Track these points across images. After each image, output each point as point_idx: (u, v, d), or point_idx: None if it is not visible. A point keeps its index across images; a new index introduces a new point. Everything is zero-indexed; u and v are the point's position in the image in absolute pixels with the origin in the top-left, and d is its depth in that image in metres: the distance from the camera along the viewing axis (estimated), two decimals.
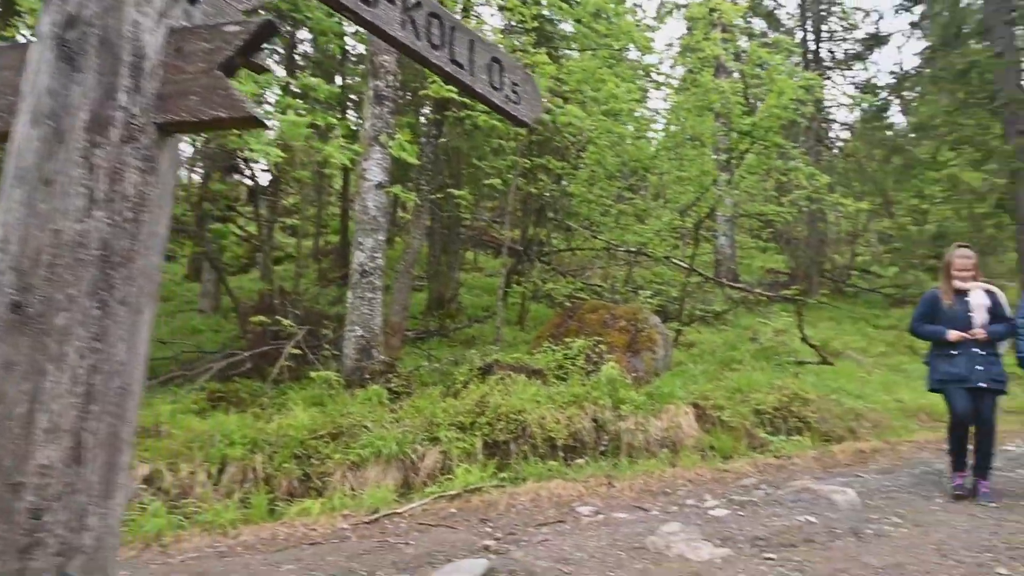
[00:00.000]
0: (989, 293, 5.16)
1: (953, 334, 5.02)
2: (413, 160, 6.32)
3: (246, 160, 9.88)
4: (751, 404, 7.43)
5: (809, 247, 14.62)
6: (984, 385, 4.97)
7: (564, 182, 9.88)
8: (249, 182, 13.13)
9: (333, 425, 6.05)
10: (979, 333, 5.04)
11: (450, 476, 5.78)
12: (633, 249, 9.87)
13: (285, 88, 8.52)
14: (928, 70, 14.02)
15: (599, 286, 10.19)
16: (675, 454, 6.66)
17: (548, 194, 9.74)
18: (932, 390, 5.34)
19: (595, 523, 5.00)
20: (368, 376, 7.18)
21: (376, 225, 7.57)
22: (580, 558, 4.23)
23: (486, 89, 1.83)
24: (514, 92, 1.92)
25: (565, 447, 6.46)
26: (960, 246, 5.34)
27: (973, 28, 13.16)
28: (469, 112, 8.03)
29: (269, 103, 7.29)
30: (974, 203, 13.05)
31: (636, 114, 11.23)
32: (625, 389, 7.03)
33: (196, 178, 14.04)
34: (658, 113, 15.76)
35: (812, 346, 9.86)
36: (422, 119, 11.10)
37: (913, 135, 15.14)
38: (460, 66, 1.79)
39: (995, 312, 5.12)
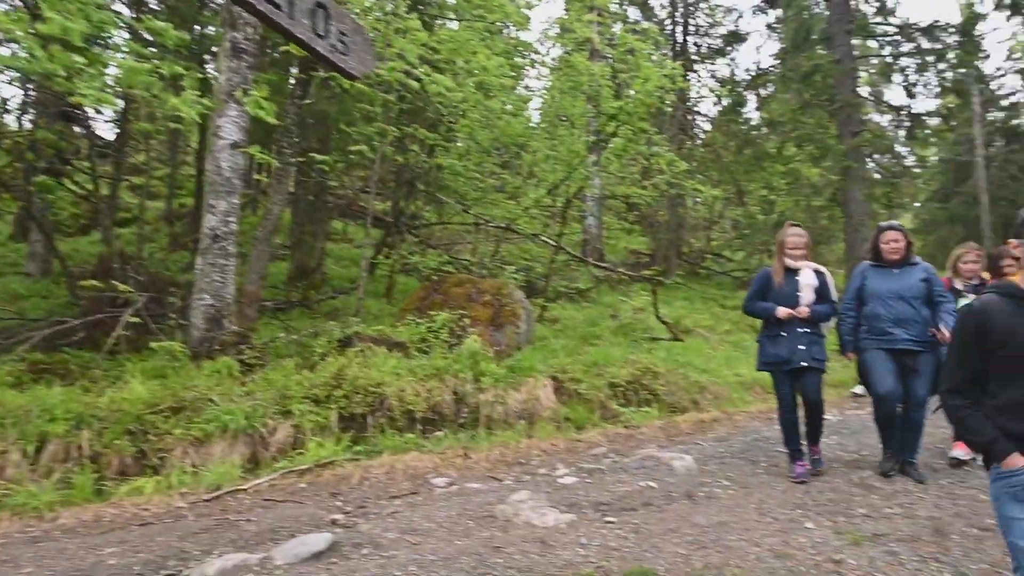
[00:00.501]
0: (818, 273, 5.24)
1: (781, 311, 5.07)
2: (271, 120, 5.95)
3: (78, 107, 8.91)
4: (606, 377, 7.75)
5: (669, 230, 15.44)
6: (806, 364, 5.05)
7: (435, 154, 9.75)
8: (88, 133, 11.91)
9: (175, 399, 5.66)
10: (803, 311, 5.08)
11: (302, 451, 5.60)
12: (502, 225, 9.95)
13: (133, 31, 7.78)
14: (779, 71, 15.14)
15: (466, 260, 10.20)
16: (532, 426, 6.82)
17: (418, 166, 9.58)
18: (760, 370, 5.45)
19: (448, 494, 5.03)
20: (218, 347, 6.77)
21: (230, 187, 7.11)
22: (428, 528, 4.24)
23: (308, 35, 1.70)
24: (341, 42, 1.81)
25: (424, 420, 6.44)
26: (792, 225, 5.42)
27: (818, 35, 14.31)
28: (336, 74, 7.68)
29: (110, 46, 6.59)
30: (812, 196, 14.35)
31: (515, 92, 11.31)
32: (487, 362, 7.11)
33: (27, 126, 12.56)
34: (533, 91, 15.97)
35: (665, 323, 10.43)
36: (291, 80, 10.53)
37: (764, 130, 16.36)
38: (276, 6, 1.64)
39: (821, 293, 5.19)
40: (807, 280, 5.17)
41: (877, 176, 15.54)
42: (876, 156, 16.23)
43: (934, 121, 18.30)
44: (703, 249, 17.23)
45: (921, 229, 26.93)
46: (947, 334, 4.87)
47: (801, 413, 5.35)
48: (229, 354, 6.70)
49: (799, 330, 5.09)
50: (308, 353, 7.09)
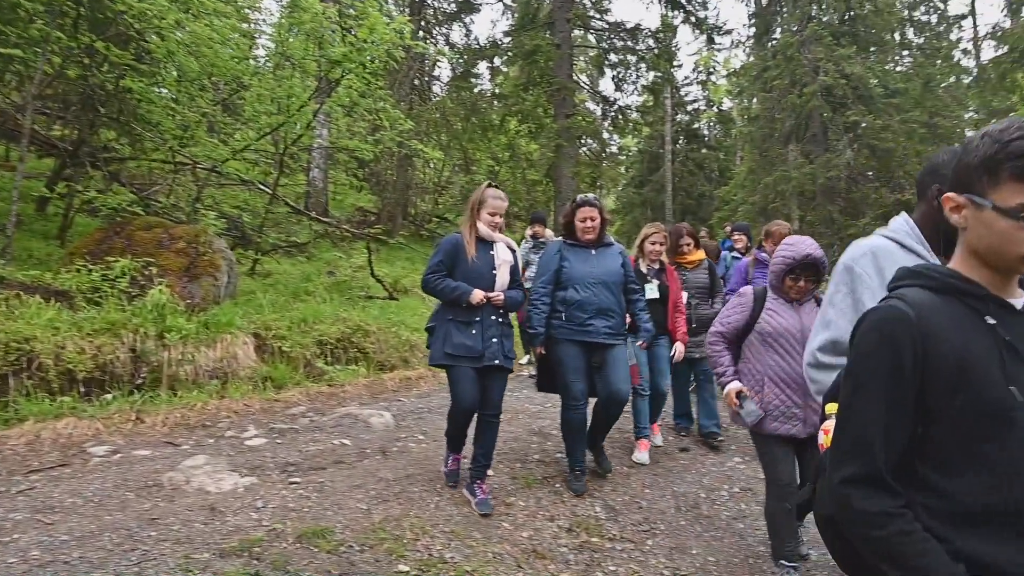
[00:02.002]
0: (512, 250, 4.32)
1: (478, 294, 3.99)
2: None
3: None
4: (314, 335, 7.46)
5: (397, 190, 15.40)
6: (498, 363, 4.08)
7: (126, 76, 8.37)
8: None
9: None
10: (498, 297, 4.11)
11: None
12: (207, 166, 8.96)
13: None
14: (507, 46, 15.87)
15: (159, 202, 9.02)
16: (225, 386, 6.30)
17: (102, 87, 8.15)
18: (436, 365, 4.10)
19: (107, 464, 4.41)
20: None
21: None
22: (72, 505, 3.66)
23: None
24: None
25: (90, 381, 5.56)
26: (491, 185, 4.32)
27: (543, 18, 15.26)
28: None
29: None
30: (528, 170, 15.40)
31: (232, 20, 10.17)
32: (175, 317, 6.36)
33: None
34: (257, 25, 14.64)
35: (380, 282, 10.39)
36: None
37: (495, 104, 17.08)
38: None
39: (514, 274, 4.27)
40: (504, 256, 4.20)
41: (586, 157, 17.15)
42: (587, 139, 17.93)
43: (636, 115, 20.75)
44: (430, 212, 17.54)
45: (620, 210, 30.68)
46: (644, 345, 4.66)
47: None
48: None
49: (492, 318, 4.10)
50: None
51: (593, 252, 4.57)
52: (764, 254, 5.69)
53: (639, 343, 4.64)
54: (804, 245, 3.42)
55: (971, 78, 19.35)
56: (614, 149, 27.42)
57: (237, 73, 9.09)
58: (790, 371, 3.44)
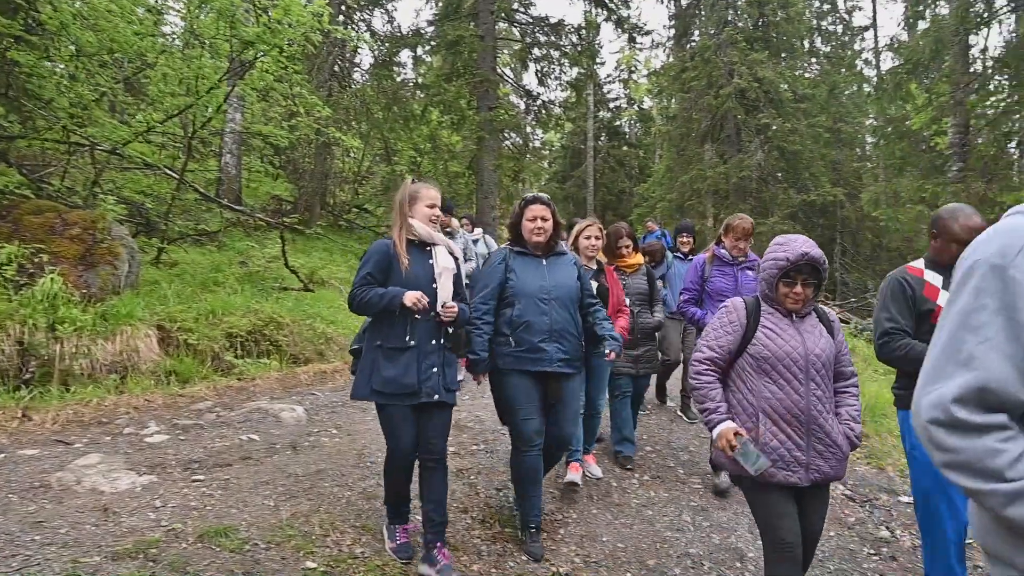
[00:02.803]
0: (453, 256, 3.55)
1: (411, 296, 3.14)
2: None
3: None
4: (224, 327, 7.17)
5: (315, 179, 14.98)
6: (438, 398, 3.32)
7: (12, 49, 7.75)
8: None
9: None
10: (450, 310, 3.31)
11: None
12: (107, 148, 8.43)
13: None
14: (430, 35, 15.68)
15: (50, 184, 8.42)
16: (125, 380, 5.97)
17: None
18: (361, 397, 3.34)
19: None
20: None
21: None
22: None
23: None
24: None
25: None
26: (414, 181, 3.57)
27: (467, 8, 15.17)
28: None
29: None
30: (450, 162, 15.31)
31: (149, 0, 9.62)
32: (68, 307, 5.97)
33: None
34: (165, 3, 13.87)
35: (295, 273, 10.10)
36: None
37: (419, 94, 16.84)
38: None
39: (458, 284, 3.54)
40: (444, 262, 3.44)
41: (508, 150, 17.19)
42: (510, 133, 17.97)
43: (559, 111, 20.93)
44: (349, 202, 17.14)
45: None
46: (613, 355, 3.84)
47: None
48: None
49: (432, 343, 3.31)
50: None
51: (544, 262, 3.85)
52: (723, 250, 4.95)
53: (607, 353, 3.86)
54: (798, 243, 2.83)
55: (871, 87, 20.55)
56: (537, 144, 27.66)
57: (141, 50, 8.57)
58: (790, 404, 2.79)
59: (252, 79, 9.11)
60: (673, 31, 23.96)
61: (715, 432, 2.81)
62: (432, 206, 3.45)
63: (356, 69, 17.95)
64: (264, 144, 14.08)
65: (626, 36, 20.04)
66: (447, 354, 3.40)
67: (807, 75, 22.35)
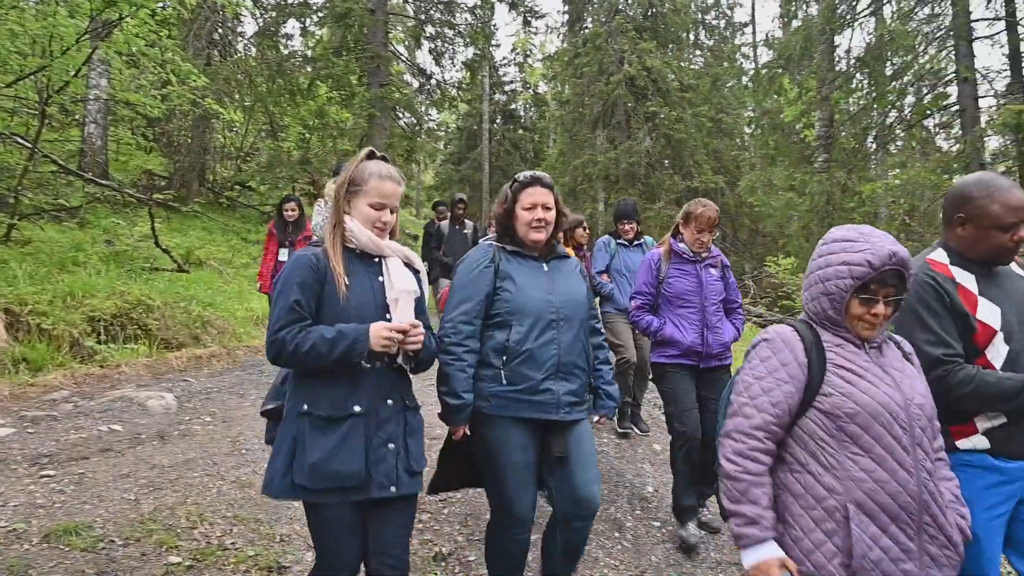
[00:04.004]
0: (414, 270, 2.38)
1: (379, 334, 2.09)
2: None
3: None
4: (84, 311, 6.62)
5: (191, 153, 14.05)
6: (394, 490, 2.16)
7: None
8: None
9: None
10: (416, 336, 2.17)
11: None
12: None
13: None
14: (319, 6, 15.02)
15: None
16: None
17: None
18: (278, 494, 2.10)
19: None
20: None
21: None
22: None
23: None
24: None
25: None
26: (374, 157, 2.32)
27: None
28: None
29: None
30: (340, 139, 14.81)
31: None
32: None
33: None
34: None
35: (167, 252, 9.47)
36: None
37: (307, 68, 16.11)
38: None
39: (421, 311, 2.37)
40: (402, 282, 2.29)
41: (401, 129, 16.82)
42: (403, 112, 17.58)
43: (453, 91, 20.69)
44: (231, 179, 16.22)
45: (438, 186, 30.71)
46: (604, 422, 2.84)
47: None
48: None
49: (388, 402, 2.20)
50: None
51: (545, 267, 2.77)
52: (681, 244, 3.95)
53: (595, 418, 3.07)
54: (882, 240, 1.85)
55: (749, 80, 21.68)
56: (433, 125, 27.28)
57: None
58: (896, 488, 1.75)
59: (118, 42, 8.38)
60: (567, 16, 24.24)
61: (752, 559, 1.77)
62: (382, 206, 2.23)
63: (240, 39, 16.96)
64: (135, 114, 13.06)
65: (521, 19, 20.06)
66: (410, 417, 2.27)
67: (692, 67, 23.27)
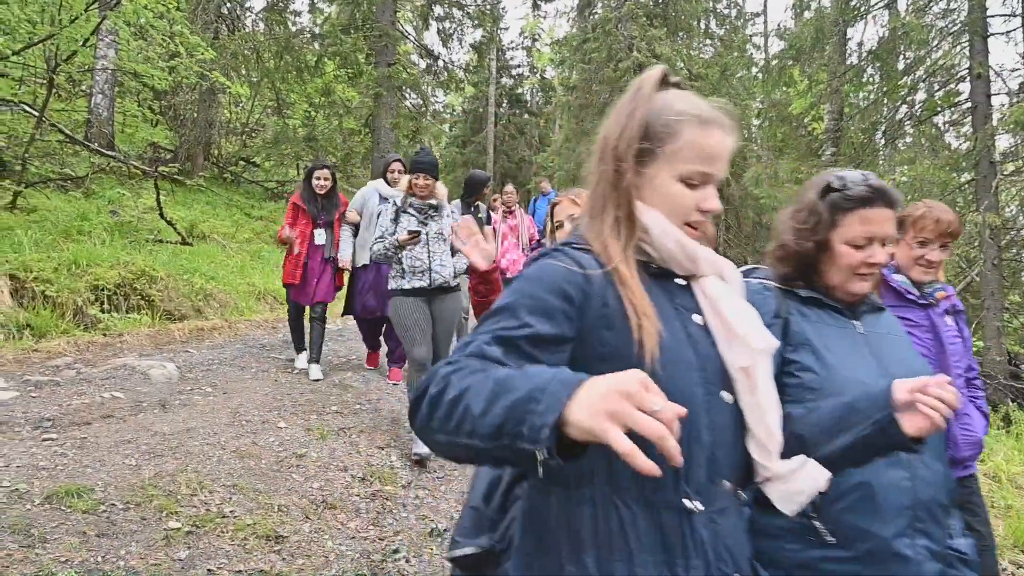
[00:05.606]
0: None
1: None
2: None
3: None
4: (89, 280, 6.64)
5: (198, 127, 14.01)
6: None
7: None
8: None
9: None
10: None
11: None
12: None
13: None
14: None
15: None
16: None
17: None
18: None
19: None
20: None
21: None
22: None
23: None
24: None
25: None
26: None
27: None
28: None
29: None
30: (346, 117, 14.75)
31: None
32: None
33: None
34: None
35: (171, 224, 9.48)
36: None
37: (315, 45, 15.97)
38: None
39: None
40: (745, 325, 1.25)
41: (407, 110, 16.75)
42: (409, 92, 17.48)
43: (460, 73, 20.58)
44: (236, 154, 16.18)
45: (442, 169, 30.55)
46: None
47: None
48: None
49: None
50: None
51: (858, 326, 1.74)
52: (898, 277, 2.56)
53: None
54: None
55: (758, 70, 21.52)
56: (439, 107, 27.12)
57: None
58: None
59: (126, 12, 8.34)
60: (576, 1, 24.03)
61: None
62: (703, 181, 1.24)
63: (248, 14, 16.84)
64: (142, 87, 13.01)
65: (530, 2, 19.92)
66: None
67: (702, 56, 23.08)
